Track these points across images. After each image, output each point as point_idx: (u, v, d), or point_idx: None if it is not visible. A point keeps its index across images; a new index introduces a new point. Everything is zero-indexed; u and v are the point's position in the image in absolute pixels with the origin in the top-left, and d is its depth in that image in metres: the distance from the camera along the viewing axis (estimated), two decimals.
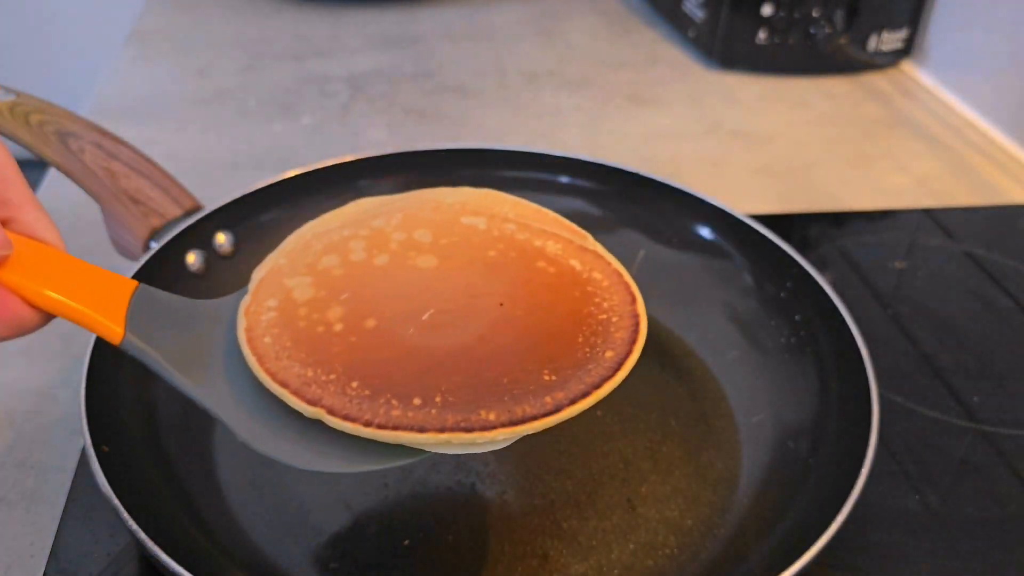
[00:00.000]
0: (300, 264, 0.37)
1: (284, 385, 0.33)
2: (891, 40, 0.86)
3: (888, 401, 0.49)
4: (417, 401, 0.32)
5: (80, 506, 0.40)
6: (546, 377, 0.33)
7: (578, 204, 0.56)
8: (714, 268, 0.54)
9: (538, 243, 0.39)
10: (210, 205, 0.50)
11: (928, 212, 0.66)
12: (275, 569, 0.38)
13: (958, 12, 0.83)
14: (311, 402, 0.32)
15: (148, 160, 0.50)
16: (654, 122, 0.79)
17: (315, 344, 0.34)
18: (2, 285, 0.30)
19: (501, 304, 0.36)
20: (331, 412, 0.32)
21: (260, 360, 0.33)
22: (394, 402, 0.32)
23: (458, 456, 0.44)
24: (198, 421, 0.44)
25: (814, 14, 0.83)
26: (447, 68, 0.87)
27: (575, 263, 0.39)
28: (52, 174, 0.64)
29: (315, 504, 0.41)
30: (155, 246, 0.46)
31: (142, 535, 0.33)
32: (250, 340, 0.34)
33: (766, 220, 0.53)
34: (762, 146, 0.76)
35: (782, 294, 0.50)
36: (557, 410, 0.32)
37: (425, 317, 0.35)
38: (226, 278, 0.49)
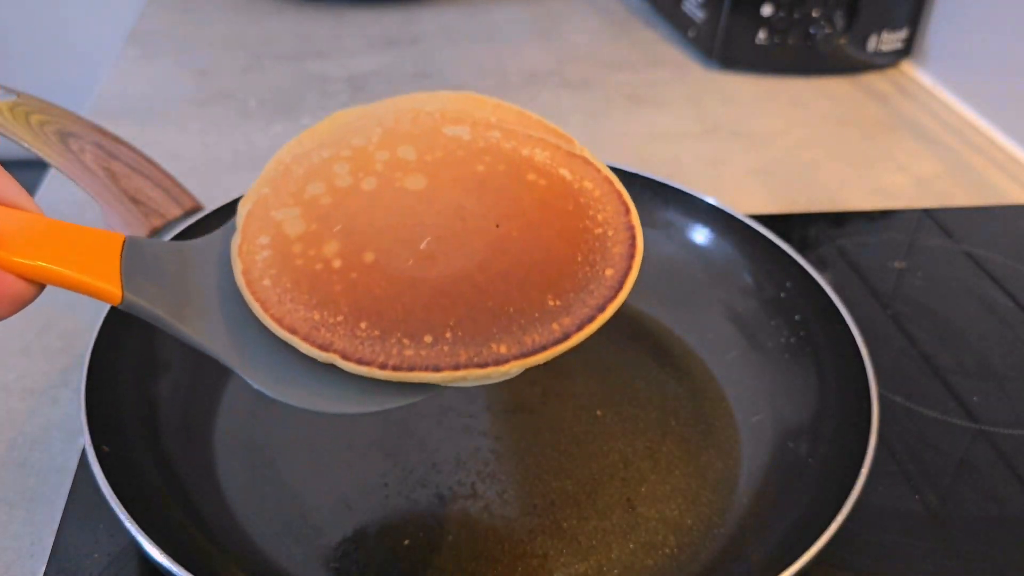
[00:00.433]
0: (285, 193, 0.37)
1: (293, 331, 0.33)
2: (891, 40, 0.86)
3: (888, 401, 0.49)
4: (428, 338, 0.32)
5: (80, 506, 0.40)
6: (550, 302, 0.34)
7: None
8: (714, 268, 0.54)
9: (525, 152, 0.39)
10: (210, 205, 0.50)
11: (928, 212, 0.66)
12: (275, 569, 0.38)
13: (958, 12, 0.83)
14: (323, 347, 0.32)
15: (148, 160, 0.50)
16: (654, 122, 0.79)
17: (316, 283, 0.34)
18: None
19: (497, 226, 0.36)
20: (344, 356, 0.32)
21: (264, 306, 0.33)
22: (405, 341, 0.32)
23: (458, 455, 0.44)
24: (198, 421, 0.44)
25: (814, 14, 0.83)
26: (447, 68, 0.87)
27: (565, 172, 0.38)
28: (52, 174, 0.64)
29: (315, 504, 0.41)
30: None
31: (141, 536, 0.33)
32: (249, 284, 0.34)
33: (766, 220, 0.53)
34: (762, 146, 0.76)
35: (782, 294, 0.50)
36: (566, 337, 0.33)
37: (422, 246, 0.35)
38: None
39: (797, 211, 0.66)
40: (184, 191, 0.50)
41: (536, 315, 0.33)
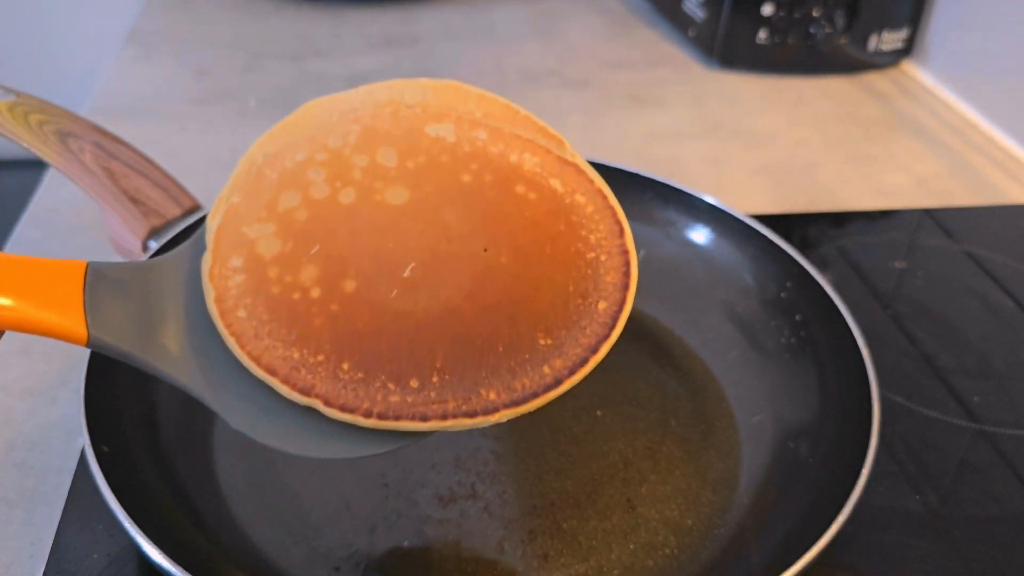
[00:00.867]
0: (258, 204, 0.34)
1: (272, 372, 0.31)
2: (891, 40, 0.86)
3: (888, 401, 0.49)
4: (414, 383, 0.31)
5: (80, 506, 0.40)
6: (541, 341, 0.32)
7: None
8: (714, 268, 0.54)
9: (514, 158, 0.36)
10: (210, 205, 0.50)
11: (928, 212, 0.66)
12: (275, 569, 0.38)
13: (958, 12, 0.83)
14: (304, 391, 0.31)
15: (148, 160, 0.50)
16: (654, 122, 0.79)
17: (295, 316, 0.32)
18: None
19: (485, 250, 0.34)
20: (327, 402, 0.31)
21: (240, 341, 0.31)
22: (391, 385, 0.31)
23: (458, 455, 0.43)
24: (198, 421, 0.44)
25: (814, 14, 0.83)
26: (447, 67, 0.87)
27: (556, 184, 0.36)
28: (52, 174, 0.64)
29: (315, 504, 0.41)
30: (154, 246, 0.46)
31: (141, 536, 0.33)
32: (223, 315, 0.32)
33: (766, 220, 0.53)
34: (762, 146, 0.76)
35: (782, 294, 0.50)
36: (557, 383, 0.32)
37: (406, 273, 0.33)
38: None
39: (797, 211, 0.66)
40: (184, 191, 0.50)
41: (526, 356, 0.32)
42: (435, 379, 0.31)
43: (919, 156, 0.75)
